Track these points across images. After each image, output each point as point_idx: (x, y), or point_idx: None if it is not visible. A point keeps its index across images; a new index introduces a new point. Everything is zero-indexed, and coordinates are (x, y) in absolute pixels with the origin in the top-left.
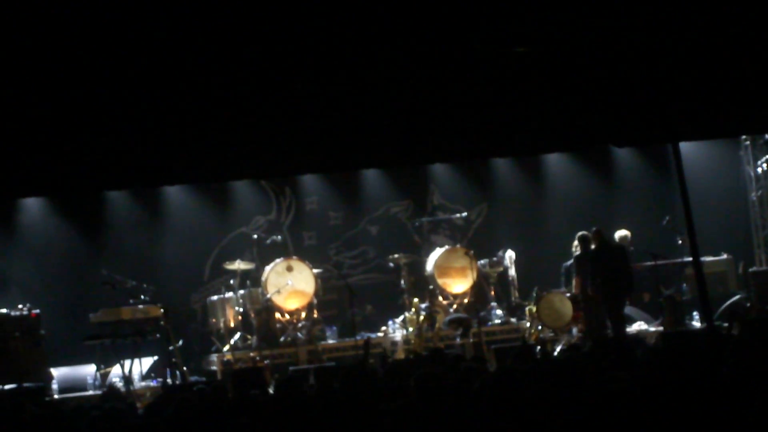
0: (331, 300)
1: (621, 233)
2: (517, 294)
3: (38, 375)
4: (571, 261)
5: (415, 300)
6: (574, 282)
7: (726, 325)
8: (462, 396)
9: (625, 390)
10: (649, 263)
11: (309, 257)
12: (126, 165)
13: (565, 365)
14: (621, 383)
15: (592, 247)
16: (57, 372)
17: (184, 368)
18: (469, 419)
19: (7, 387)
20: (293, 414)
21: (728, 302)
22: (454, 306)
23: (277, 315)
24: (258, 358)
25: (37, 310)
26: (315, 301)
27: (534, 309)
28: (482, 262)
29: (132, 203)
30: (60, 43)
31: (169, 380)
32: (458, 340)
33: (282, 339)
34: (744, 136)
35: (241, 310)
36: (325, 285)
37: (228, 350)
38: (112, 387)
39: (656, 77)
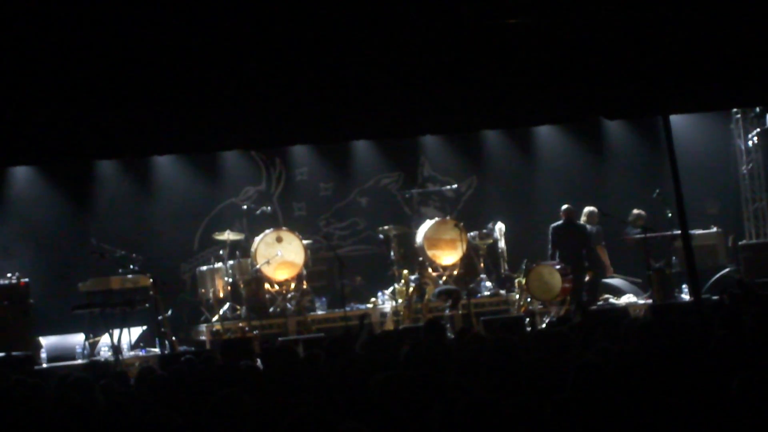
0: (320, 271)
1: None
2: (506, 266)
3: (27, 344)
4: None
5: (405, 272)
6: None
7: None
8: (451, 366)
9: (613, 362)
10: (638, 236)
11: (299, 228)
12: (116, 134)
13: (553, 337)
14: (609, 355)
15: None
16: (45, 341)
17: (173, 338)
18: (457, 391)
19: None
20: (281, 384)
21: (718, 275)
22: (444, 278)
23: (267, 286)
24: (247, 328)
25: (26, 279)
26: (304, 272)
27: (523, 281)
28: (472, 234)
29: (122, 173)
30: (51, 11)
31: (157, 350)
32: (447, 311)
33: (271, 310)
34: (735, 110)
35: (231, 280)
36: (314, 256)
37: (217, 320)
38: (107, 361)
39: (647, 49)
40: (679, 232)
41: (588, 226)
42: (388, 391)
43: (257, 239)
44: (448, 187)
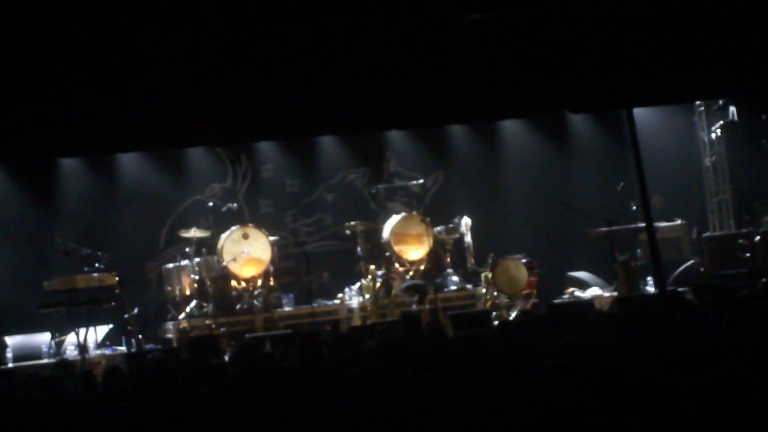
0: (287, 267)
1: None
2: (472, 260)
3: None
4: None
5: (372, 267)
6: None
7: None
8: (420, 361)
9: (578, 355)
10: (603, 229)
11: (265, 225)
12: (79, 131)
13: (519, 330)
14: (575, 348)
15: None
16: (11, 340)
17: (140, 336)
18: (427, 384)
19: None
20: (250, 381)
21: (682, 267)
22: (411, 273)
23: (233, 283)
24: (214, 325)
25: None
26: (271, 269)
27: (489, 275)
28: (438, 228)
29: (86, 170)
30: (15, 10)
31: (124, 348)
32: (414, 306)
33: (238, 307)
34: (698, 102)
35: (197, 277)
36: (281, 252)
37: (184, 318)
38: (73, 360)
39: (610, 42)
40: (643, 224)
41: None
42: (358, 386)
43: (223, 236)
44: (414, 182)
